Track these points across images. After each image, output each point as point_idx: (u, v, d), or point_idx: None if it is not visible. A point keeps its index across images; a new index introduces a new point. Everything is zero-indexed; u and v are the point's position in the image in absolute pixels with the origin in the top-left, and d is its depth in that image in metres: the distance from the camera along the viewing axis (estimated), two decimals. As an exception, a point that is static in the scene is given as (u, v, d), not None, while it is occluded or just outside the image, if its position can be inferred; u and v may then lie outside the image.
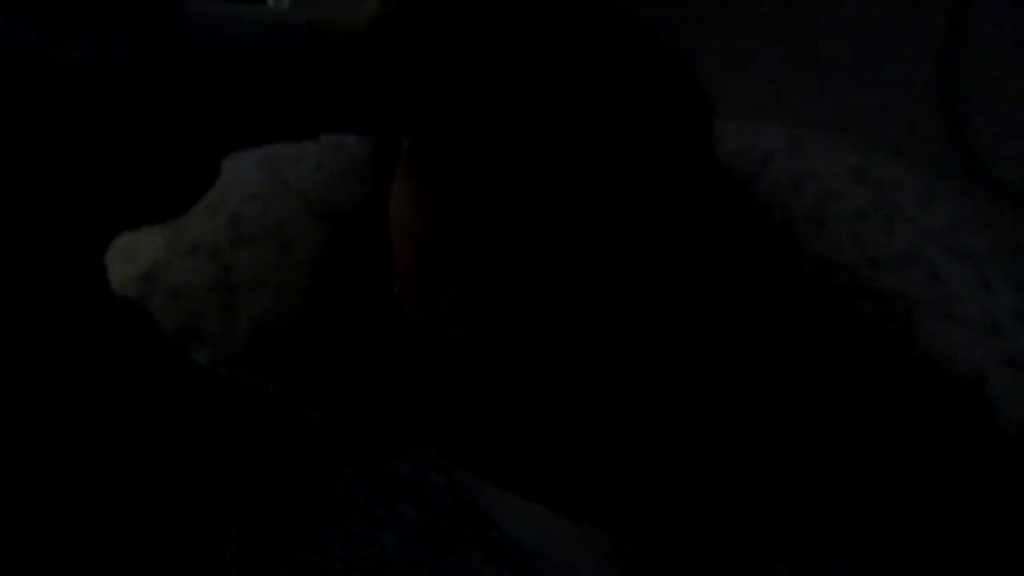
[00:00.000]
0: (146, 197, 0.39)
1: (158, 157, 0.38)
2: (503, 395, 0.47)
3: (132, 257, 0.62)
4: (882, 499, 0.50)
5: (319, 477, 0.42)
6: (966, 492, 0.50)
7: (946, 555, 0.48)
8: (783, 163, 0.66)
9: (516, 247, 0.44)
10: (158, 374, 0.41)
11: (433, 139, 0.47)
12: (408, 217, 0.48)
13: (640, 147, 0.47)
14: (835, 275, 0.58)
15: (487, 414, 0.48)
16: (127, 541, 0.39)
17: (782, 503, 0.49)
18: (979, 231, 0.63)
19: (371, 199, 0.66)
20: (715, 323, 0.56)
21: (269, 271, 0.63)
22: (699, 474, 0.51)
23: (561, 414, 0.48)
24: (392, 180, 0.66)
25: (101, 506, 0.38)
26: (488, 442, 0.48)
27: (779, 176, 0.65)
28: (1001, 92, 0.78)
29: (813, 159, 0.66)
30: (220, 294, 0.63)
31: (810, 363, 0.56)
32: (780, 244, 0.60)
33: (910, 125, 0.80)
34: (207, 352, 0.60)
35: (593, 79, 0.46)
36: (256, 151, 0.69)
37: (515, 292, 0.44)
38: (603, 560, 0.44)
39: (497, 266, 0.44)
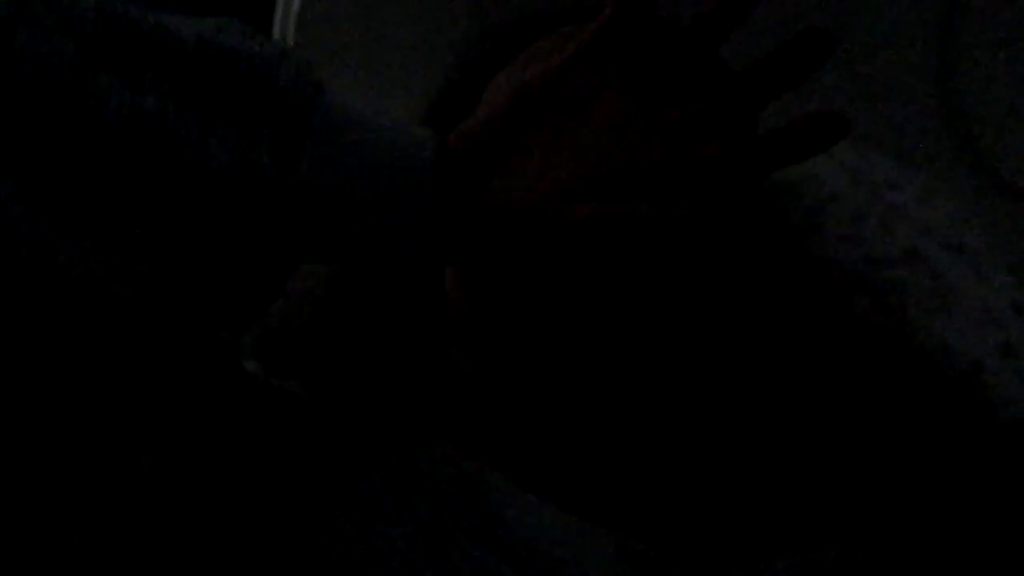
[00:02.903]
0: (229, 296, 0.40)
1: (258, 262, 0.39)
2: (517, 395, 0.48)
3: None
4: (881, 491, 0.50)
5: (330, 469, 0.43)
6: (965, 482, 0.50)
7: (946, 546, 0.48)
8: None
9: None
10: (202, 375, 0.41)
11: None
12: None
13: None
14: (831, 272, 0.58)
15: (502, 410, 0.49)
16: (142, 545, 0.39)
17: (781, 496, 0.49)
18: (978, 228, 0.63)
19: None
20: (715, 321, 0.56)
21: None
22: (700, 470, 0.51)
23: (567, 412, 0.48)
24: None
25: (119, 508, 0.39)
26: (500, 439, 0.49)
27: (777, 178, 0.66)
28: (1002, 89, 0.78)
29: (812, 161, 0.67)
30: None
31: (806, 357, 0.56)
32: (777, 245, 0.60)
33: (911, 124, 0.80)
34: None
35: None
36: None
37: (520, 316, 0.44)
38: (609, 558, 0.44)
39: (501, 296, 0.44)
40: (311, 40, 0.82)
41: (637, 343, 0.49)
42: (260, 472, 0.42)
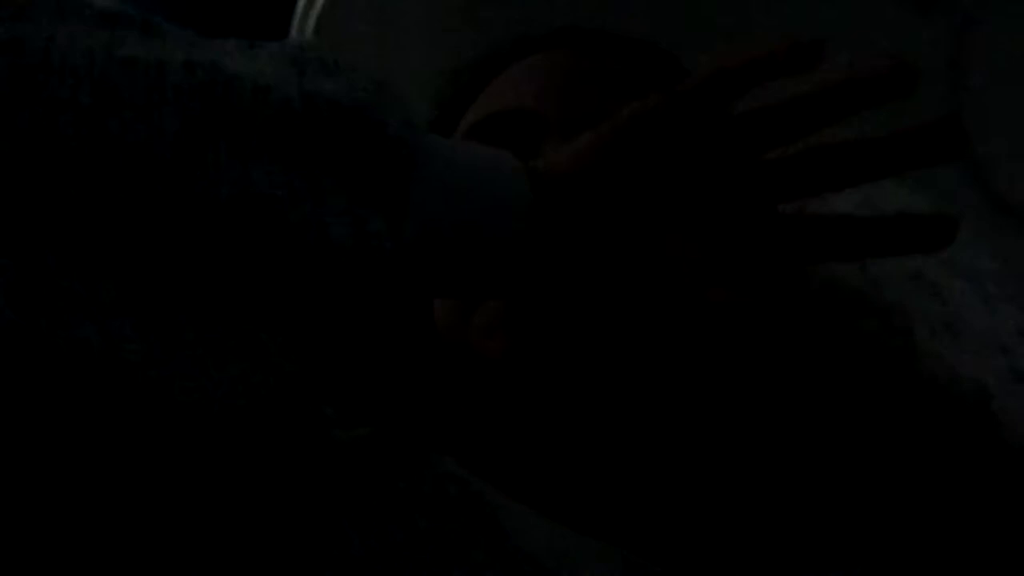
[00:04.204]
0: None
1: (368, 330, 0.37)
2: (529, 407, 0.48)
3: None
4: (887, 514, 0.50)
5: (338, 491, 0.43)
6: (973, 507, 0.50)
7: (953, 570, 0.48)
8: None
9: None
10: None
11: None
12: None
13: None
14: (839, 293, 0.58)
15: (509, 426, 0.49)
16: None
17: (788, 517, 0.49)
18: (984, 252, 0.63)
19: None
20: (726, 342, 0.56)
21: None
22: (708, 489, 0.51)
23: (583, 427, 0.48)
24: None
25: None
26: (507, 455, 0.49)
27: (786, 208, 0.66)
28: (1010, 115, 0.79)
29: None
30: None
31: (814, 378, 0.57)
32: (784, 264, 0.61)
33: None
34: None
35: None
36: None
37: (550, 305, 0.44)
38: (616, 575, 0.44)
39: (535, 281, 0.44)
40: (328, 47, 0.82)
41: (648, 360, 0.49)
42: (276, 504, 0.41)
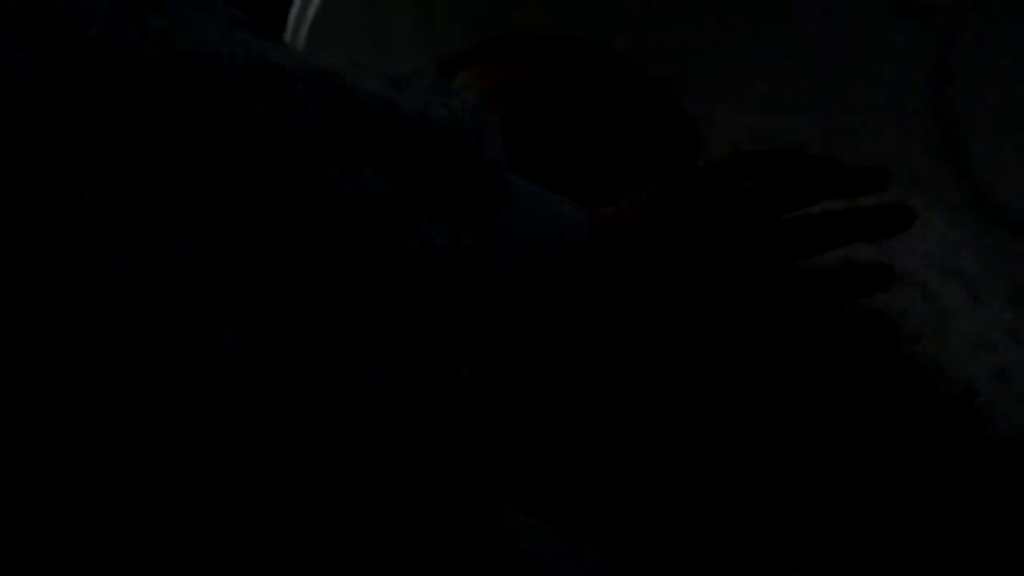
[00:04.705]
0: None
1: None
2: (513, 419, 0.48)
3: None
4: (876, 512, 0.50)
5: (337, 497, 0.43)
6: (960, 504, 0.51)
7: (941, 566, 0.48)
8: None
9: None
10: None
11: None
12: None
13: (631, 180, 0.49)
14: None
15: (497, 437, 0.49)
16: None
17: (778, 517, 0.50)
18: (972, 252, 0.64)
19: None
20: (713, 342, 0.57)
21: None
22: (700, 490, 0.51)
23: (569, 433, 0.49)
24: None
25: None
26: (499, 464, 0.49)
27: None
28: (997, 117, 0.79)
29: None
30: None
31: (802, 379, 0.57)
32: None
33: (906, 151, 0.81)
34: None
35: (581, 111, 0.48)
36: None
37: (521, 324, 0.44)
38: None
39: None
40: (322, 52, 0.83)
41: (641, 364, 0.49)
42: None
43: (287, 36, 0.84)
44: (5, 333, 0.30)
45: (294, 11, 0.83)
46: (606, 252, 0.43)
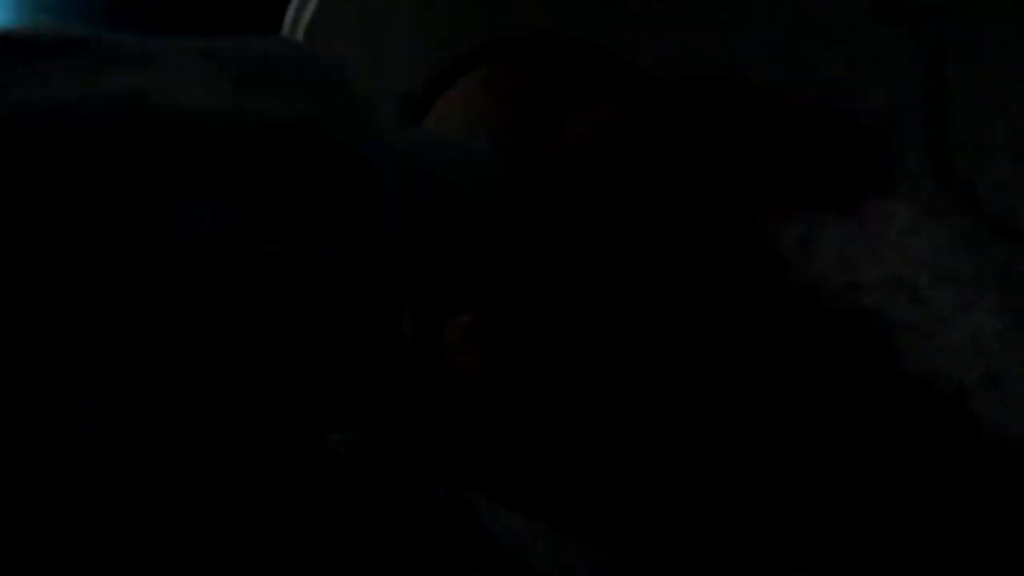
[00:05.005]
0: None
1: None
2: (510, 416, 0.48)
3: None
4: (869, 514, 0.51)
5: (321, 497, 0.43)
6: (952, 508, 0.51)
7: (934, 568, 0.49)
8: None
9: (524, 270, 0.45)
10: None
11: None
12: None
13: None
14: (820, 298, 0.59)
15: (493, 435, 0.49)
16: None
17: (772, 519, 0.50)
18: (964, 257, 0.64)
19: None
20: (709, 343, 0.57)
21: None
22: (695, 492, 0.51)
23: (568, 432, 0.49)
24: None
25: None
26: (493, 461, 0.49)
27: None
28: (987, 122, 0.80)
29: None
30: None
31: (795, 384, 0.57)
32: (767, 270, 0.62)
33: (896, 155, 0.82)
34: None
35: None
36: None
37: (525, 316, 0.44)
38: None
39: (507, 292, 0.44)
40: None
41: (634, 364, 0.49)
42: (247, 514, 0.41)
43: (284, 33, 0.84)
44: None
45: (290, 12, 0.83)
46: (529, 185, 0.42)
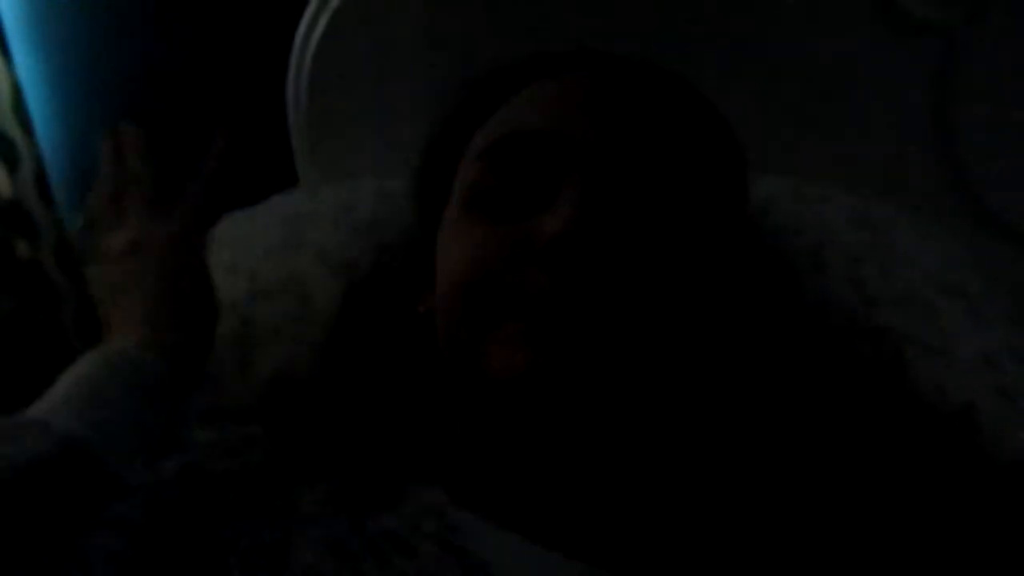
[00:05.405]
0: None
1: None
2: (533, 432, 0.48)
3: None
4: (877, 530, 0.51)
5: (308, 537, 0.44)
6: (961, 520, 0.51)
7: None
8: (783, 209, 0.68)
9: (583, 285, 0.45)
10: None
11: None
12: (470, 250, 0.49)
13: (701, 198, 0.49)
14: (832, 315, 0.59)
15: (505, 453, 0.49)
16: None
17: (780, 537, 0.50)
18: (973, 270, 0.64)
19: (383, 253, 0.68)
20: (731, 362, 0.57)
21: (286, 324, 0.66)
22: (700, 511, 0.51)
23: (589, 453, 0.49)
24: (401, 238, 0.69)
25: None
26: (498, 482, 0.50)
27: (779, 221, 0.67)
28: (997, 131, 0.80)
29: (811, 205, 0.68)
30: (240, 347, 0.66)
31: (807, 400, 0.57)
32: (780, 286, 0.62)
33: (906, 166, 0.82)
34: (225, 399, 0.63)
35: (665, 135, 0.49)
36: (276, 209, 0.73)
37: (577, 326, 0.44)
38: None
39: (559, 301, 0.44)
40: (323, 95, 0.84)
41: (687, 377, 0.49)
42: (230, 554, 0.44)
43: (294, 56, 0.84)
44: None
45: (301, 31, 0.84)
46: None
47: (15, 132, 0.95)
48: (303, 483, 0.49)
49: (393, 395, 0.62)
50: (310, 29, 0.83)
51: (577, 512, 0.49)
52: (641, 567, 0.48)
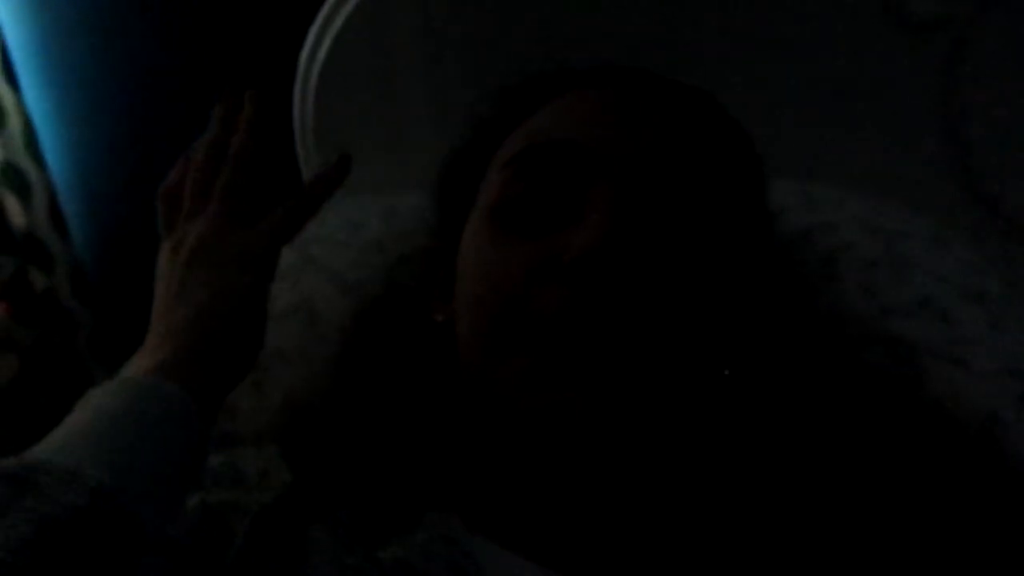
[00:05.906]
0: None
1: None
2: (547, 460, 0.47)
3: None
4: (895, 541, 0.50)
5: (321, 571, 0.44)
6: (980, 529, 0.50)
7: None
8: (795, 216, 0.67)
9: (608, 301, 0.44)
10: None
11: None
12: (491, 266, 0.49)
13: (727, 213, 0.49)
14: (846, 324, 0.58)
15: (520, 478, 0.49)
16: None
17: (796, 550, 0.49)
18: (991, 274, 0.63)
19: (392, 272, 0.68)
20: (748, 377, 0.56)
21: (297, 346, 0.66)
22: (719, 539, 0.50)
23: (607, 481, 0.48)
24: (410, 254, 0.69)
25: None
26: (513, 507, 0.49)
27: (792, 228, 0.66)
28: (1008, 134, 0.79)
29: (824, 211, 0.67)
30: (252, 371, 0.66)
31: (822, 412, 0.56)
32: (794, 296, 0.61)
33: (918, 171, 0.81)
34: (239, 426, 0.63)
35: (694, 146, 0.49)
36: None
37: (600, 361, 0.44)
38: None
39: (575, 324, 0.44)
40: (330, 110, 0.85)
41: (705, 410, 0.48)
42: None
43: (297, 82, 0.85)
44: None
45: (304, 55, 0.84)
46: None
47: (27, 164, 0.96)
48: (317, 512, 0.49)
49: (409, 413, 0.61)
50: (313, 52, 0.83)
51: (592, 539, 0.48)
52: None
